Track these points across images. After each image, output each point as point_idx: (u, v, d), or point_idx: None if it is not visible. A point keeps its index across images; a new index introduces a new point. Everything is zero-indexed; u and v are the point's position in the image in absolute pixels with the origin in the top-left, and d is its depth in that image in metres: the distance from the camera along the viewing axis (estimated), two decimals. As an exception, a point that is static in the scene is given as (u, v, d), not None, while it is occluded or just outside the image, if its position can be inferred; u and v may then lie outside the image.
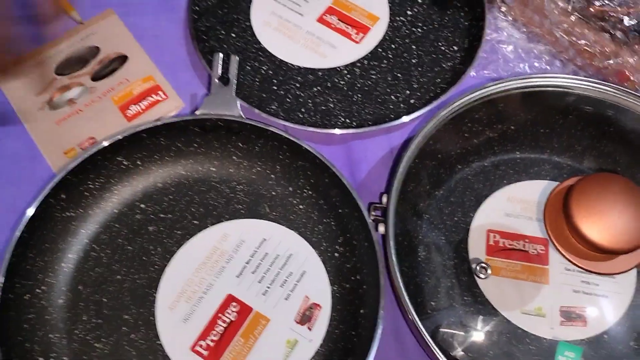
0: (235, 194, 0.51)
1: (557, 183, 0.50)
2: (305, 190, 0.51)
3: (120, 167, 0.50)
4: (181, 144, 0.51)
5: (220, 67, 0.53)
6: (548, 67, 0.54)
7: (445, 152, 0.51)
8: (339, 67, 0.56)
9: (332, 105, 0.54)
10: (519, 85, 0.50)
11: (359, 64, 0.56)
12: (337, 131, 0.51)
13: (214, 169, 0.52)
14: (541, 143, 0.52)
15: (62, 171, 0.47)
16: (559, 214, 0.45)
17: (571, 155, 0.52)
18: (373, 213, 0.47)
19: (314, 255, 0.49)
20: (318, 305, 0.47)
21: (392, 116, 0.53)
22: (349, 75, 0.56)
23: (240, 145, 0.51)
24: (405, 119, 0.51)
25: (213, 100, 0.51)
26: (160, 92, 0.55)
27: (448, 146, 0.51)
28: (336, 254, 0.49)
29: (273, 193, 0.51)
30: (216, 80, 0.52)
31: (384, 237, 0.45)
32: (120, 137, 0.48)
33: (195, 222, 0.50)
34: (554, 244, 0.46)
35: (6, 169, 0.52)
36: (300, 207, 0.51)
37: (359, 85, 0.55)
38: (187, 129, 0.50)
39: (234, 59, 0.53)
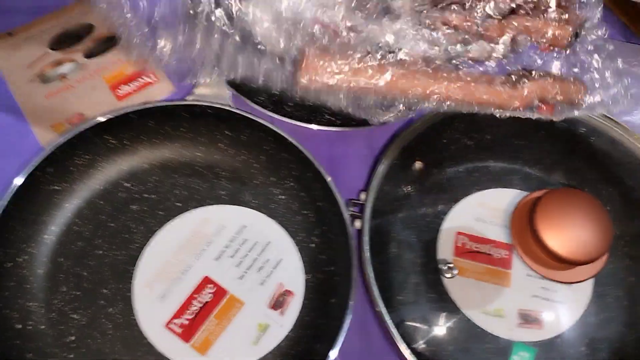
0: (219, 180, 0.52)
1: (525, 193, 0.53)
2: (287, 182, 0.53)
3: (107, 146, 0.51)
4: (169, 127, 0.52)
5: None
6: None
7: (423, 156, 0.53)
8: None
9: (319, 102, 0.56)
10: None
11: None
12: (316, 127, 0.53)
13: (199, 154, 0.53)
14: (514, 154, 0.55)
15: (51, 145, 0.48)
16: (525, 223, 0.47)
17: (541, 168, 0.55)
18: (351, 209, 0.49)
19: (291, 244, 0.51)
20: (291, 292, 0.49)
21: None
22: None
23: (227, 133, 0.53)
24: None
25: (204, 88, 0.52)
26: (151, 75, 0.56)
27: (426, 150, 0.53)
28: (312, 245, 0.51)
29: (256, 182, 0.53)
30: (208, 69, 0.53)
31: (360, 232, 0.47)
32: (110, 116, 0.49)
33: (178, 204, 0.51)
34: (517, 251, 0.49)
35: (-5, 140, 0.52)
36: (282, 197, 0.53)
37: (346, 85, 0.57)
38: (175, 114, 0.51)
39: None
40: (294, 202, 0.52)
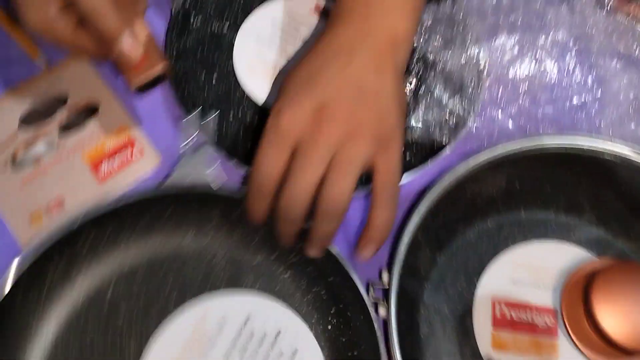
0: (214, 266, 0.47)
1: (565, 244, 0.47)
2: (290, 256, 0.47)
3: (83, 249, 0.46)
4: (152, 216, 0.47)
5: (198, 123, 0.48)
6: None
7: (446, 214, 0.47)
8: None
9: (321, 160, 0.50)
10: (529, 147, 0.46)
11: (350, 114, 0.52)
12: None
13: (189, 241, 0.48)
14: (546, 200, 0.49)
15: (18, 272, 0.42)
16: (578, 302, 0.41)
17: (579, 214, 0.49)
18: (373, 294, 0.43)
19: (305, 330, 0.45)
20: (312, 388, 0.43)
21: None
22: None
23: (217, 212, 0.47)
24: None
25: (190, 160, 0.47)
26: (135, 148, 0.51)
27: (449, 208, 0.47)
28: (329, 327, 0.46)
29: (255, 262, 0.47)
30: (194, 139, 0.48)
31: (386, 322, 0.41)
32: (84, 219, 0.44)
33: (170, 302, 0.45)
34: (570, 337, 0.42)
35: (-34, 241, 0.48)
36: (286, 275, 0.47)
37: (350, 137, 0.51)
38: (157, 200, 0.46)
39: (214, 114, 0.49)
40: (301, 279, 0.47)
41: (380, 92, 0.38)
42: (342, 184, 0.37)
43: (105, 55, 0.41)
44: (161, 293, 0.46)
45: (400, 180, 0.40)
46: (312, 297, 0.46)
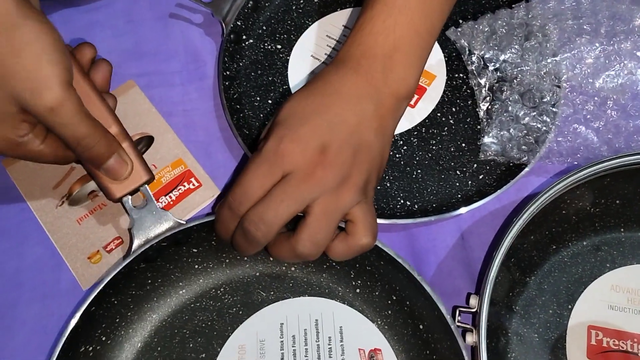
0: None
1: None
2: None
3: (143, 287, 0.44)
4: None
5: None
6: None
7: (538, 232, 0.44)
8: (394, 137, 0.49)
9: (388, 184, 0.48)
10: (630, 162, 0.42)
11: (416, 133, 0.50)
12: (385, 221, 0.44)
13: (260, 267, 0.45)
14: None
15: (78, 311, 0.41)
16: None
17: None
18: (459, 319, 0.40)
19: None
20: None
21: (459, 196, 0.46)
22: (405, 147, 0.49)
23: None
24: (466, 209, 0.45)
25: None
26: (192, 179, 0.49)
27: (541, 225, 0.44)
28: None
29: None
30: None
31: (474, 350, 0.38)
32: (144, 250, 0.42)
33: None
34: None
35: (29, 282, 0.46)
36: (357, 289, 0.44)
37: (417, 158, 0.49)
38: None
39: None
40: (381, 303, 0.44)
41: (376, 150, 0.40)
42: (321, 235, 0.38)
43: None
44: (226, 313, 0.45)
45: (376, 228, 0.40)
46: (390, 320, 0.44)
